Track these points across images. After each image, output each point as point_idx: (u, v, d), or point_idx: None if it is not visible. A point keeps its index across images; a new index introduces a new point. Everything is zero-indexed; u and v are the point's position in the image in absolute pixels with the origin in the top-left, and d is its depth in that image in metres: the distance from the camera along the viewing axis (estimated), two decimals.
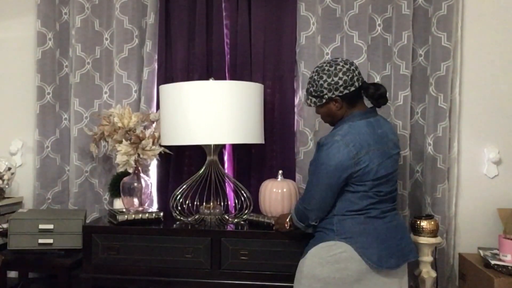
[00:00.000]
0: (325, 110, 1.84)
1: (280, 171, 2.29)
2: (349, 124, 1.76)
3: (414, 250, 1.83)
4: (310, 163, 1.84)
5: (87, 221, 2.56)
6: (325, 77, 1.77)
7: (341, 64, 1.77)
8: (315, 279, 1.75)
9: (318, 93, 1.79)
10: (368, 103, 1.86)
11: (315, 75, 1.81)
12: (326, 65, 1.79)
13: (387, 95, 1.85)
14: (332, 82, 1.75)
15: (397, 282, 1.77)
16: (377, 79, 2.50)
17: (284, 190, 2.21)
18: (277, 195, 2.20)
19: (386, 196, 1.77)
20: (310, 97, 1.85)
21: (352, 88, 1.76)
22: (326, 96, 1.78)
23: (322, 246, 1.76)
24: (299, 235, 2.03)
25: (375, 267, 1.70)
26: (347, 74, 1.75)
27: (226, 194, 2.51)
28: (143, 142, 2.35)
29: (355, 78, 1.77)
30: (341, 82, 1.75)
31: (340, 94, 1.76)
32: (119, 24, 2.66)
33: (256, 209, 2.35)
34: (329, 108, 1.82)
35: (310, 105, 1.86)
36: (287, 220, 2.01)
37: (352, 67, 1.78)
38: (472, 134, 2.52)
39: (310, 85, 1.83)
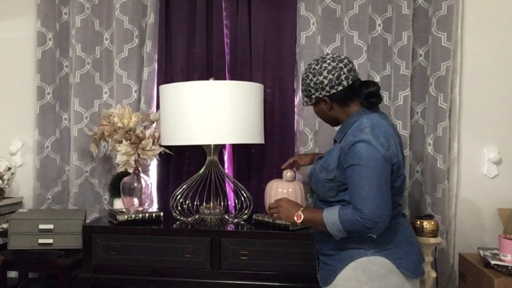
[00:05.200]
0: (317, 110, 1.75)
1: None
2: (365, 117, 1.61)
3: None
4: (322, 168, 1.64)
5: (87, 221, 2.56)
6: (310, 76, 1.67)
7: (328, 61, 1.64)
8: None
9: (307, 92, 1.71)
10: None
11: (304, 74, 1.72)
12: (314, 63, 1.69)
13: (381, 94, 1.70)
14: (318, 82, 1.65)
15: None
16: (377, 79, 2.50)
17: (290, 190, 2.20)
18: (283, 195, 2.18)
19: (400, 199, 1.70)
20: (303, 96, 1.76)
21: (340, 88, 1.63)
22: (314, 96, 1.68)
23: (355, 266, 1.56)
24: (300, 234, 2.02)
25: (412, 277, 1.57)
26: (332, 72, 1.62)
27: (226, 194, 2.50)
28: (143, 142, 2.35)
29: (343, 77, 1.62)
30: (326, 82, 1.62)
31: (327, 94, 1.65)
32: (119, 24, 2.66)
33: (261, 209, 2.35)
34: (320, 108, 1.72)
35: (304, 104, 1.78)
36: (299, 212, 1.64)
37: (340, 65, 1.63)
38: (472, 134, 2.51)
39: (301, 84, 1.75)
